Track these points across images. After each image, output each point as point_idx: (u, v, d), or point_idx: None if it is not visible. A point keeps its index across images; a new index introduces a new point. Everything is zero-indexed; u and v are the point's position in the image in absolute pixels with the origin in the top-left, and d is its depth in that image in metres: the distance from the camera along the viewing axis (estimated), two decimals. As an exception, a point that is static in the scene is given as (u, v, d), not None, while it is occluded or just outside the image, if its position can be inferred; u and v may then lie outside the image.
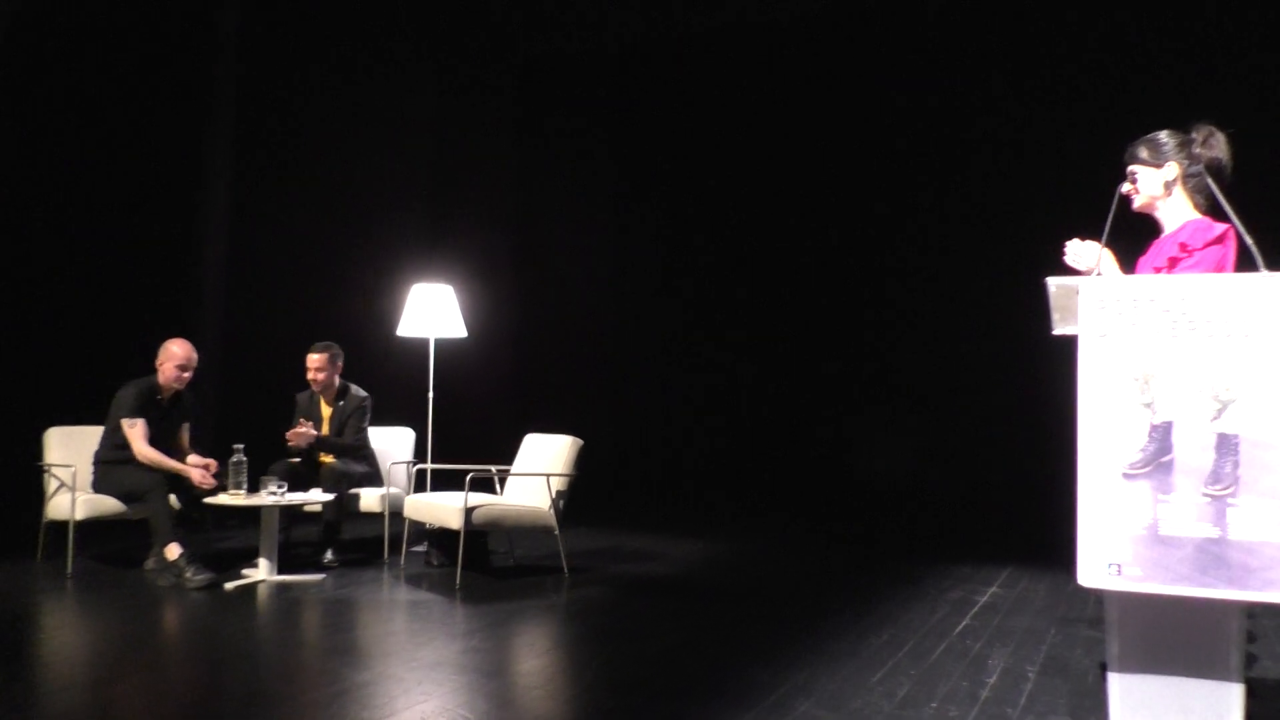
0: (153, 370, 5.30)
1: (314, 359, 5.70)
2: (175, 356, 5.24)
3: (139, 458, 5.11)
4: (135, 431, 5.13)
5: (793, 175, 8.40)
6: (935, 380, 7.76)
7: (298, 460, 5.70)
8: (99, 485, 5.21)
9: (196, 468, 5.09)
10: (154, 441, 5.19)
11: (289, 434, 5.53)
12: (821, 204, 8.32)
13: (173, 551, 4.80)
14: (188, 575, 4.72)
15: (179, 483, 5.08)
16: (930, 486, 7.58)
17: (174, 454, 5.29)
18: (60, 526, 5.24)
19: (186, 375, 5.27)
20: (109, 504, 5.10)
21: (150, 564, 4.94)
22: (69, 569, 5.07)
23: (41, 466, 5.33)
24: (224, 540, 6.15)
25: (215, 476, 5.12)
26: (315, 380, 5.71)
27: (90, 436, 5.37)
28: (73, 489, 5.10)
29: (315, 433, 5.61)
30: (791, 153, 8.39)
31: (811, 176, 8.31)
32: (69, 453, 5.36)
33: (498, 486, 5.62)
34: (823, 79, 8.24)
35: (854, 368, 8.22)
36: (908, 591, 4.95)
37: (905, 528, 7.19)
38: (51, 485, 5.25)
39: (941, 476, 7.54)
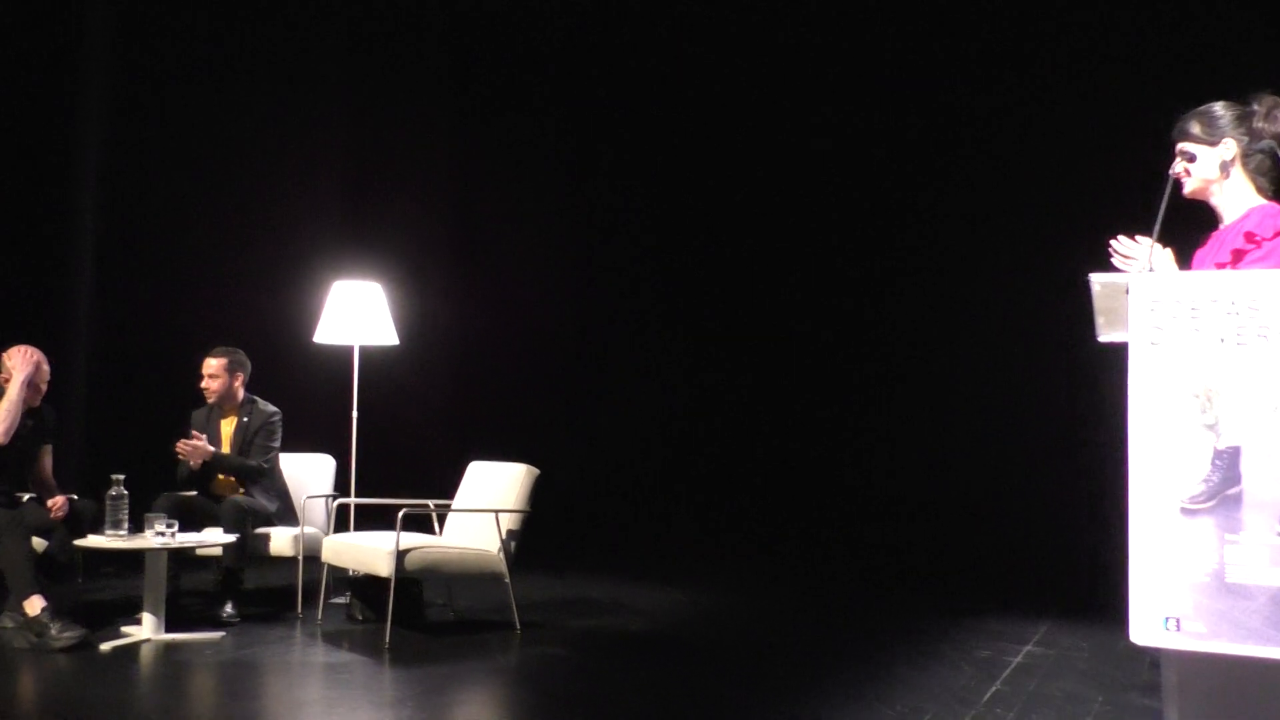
0: None
1: (210, 364, 5.79)
2: (20, 369, 5.20)
3: None
4: None
5: (789, 151, 8.35)
6: (956, 396, 7.73)
7: (191, 494, 5.69)
8: None
9: (52, 501, 5.10)
10: (4, 469, 5.18)
11: (179, 444, 5.55)
12: (821, 186, 8.28)
13: (34, 605, 4.74)
14: (52, 633, 4.68)
15: (42, 521, 5.07)
16: (950, 523, 7.57)
17: (32, 486, 5.30)
18: None
19: (42, 387, 5.28)
20: None
21: (5, 621, 4.88)
22: None
23: None
24: (98, 591, 6.09)
25: (74, 512, 5.11)
26: (209, 389, 5.76)
27: None
28: None
29: (212, 448, 5.62)
30: (790, 123, 8.33)
31: (811, 153, 8.26)
32: None
33: (436, 525, 5.65)
34: (828, 38, 8.16)
35: (858, 378, 8.20)
36: (926, 649, 4.96)
37: (921, 572, 7.23)
38: None
39: (964, 511, 7.47)
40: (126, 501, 4.96)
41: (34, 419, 5.34)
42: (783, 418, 8.47)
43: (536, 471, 5.37)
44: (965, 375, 7.68)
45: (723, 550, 8.08)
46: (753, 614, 5.96)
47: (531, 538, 5.36)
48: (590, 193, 9.01)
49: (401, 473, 6.46)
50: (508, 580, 5.13)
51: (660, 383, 8.88)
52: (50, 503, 5.13)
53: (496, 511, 5.16)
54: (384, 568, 4.93)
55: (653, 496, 8.70)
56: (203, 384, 5.78)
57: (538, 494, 5.32)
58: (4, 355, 5.28)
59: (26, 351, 5.28)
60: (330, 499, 5.99)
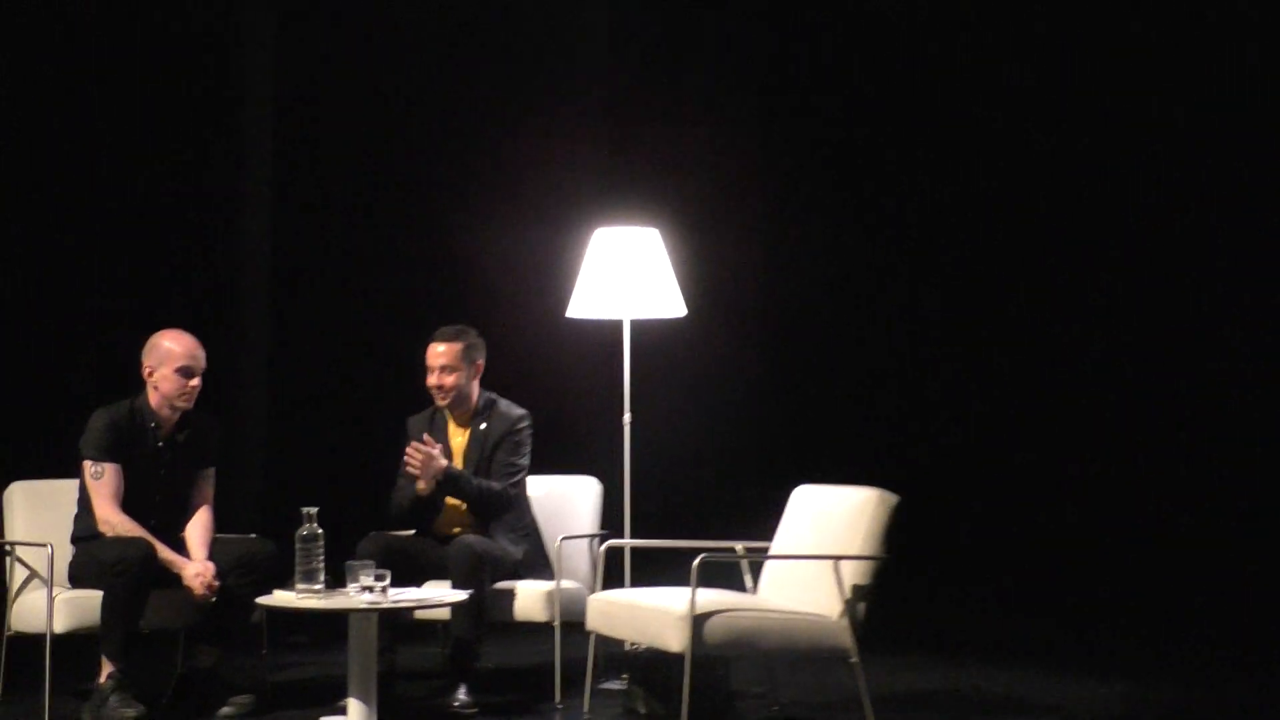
0: (135, 390, 5.50)
1: (439, 352, 5.81)
2: (172, 356, 5.41)
3: (102, 529, 5.34)
4: (100, 486, 5.36)
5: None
6: None
7: (407, 534, 5.83)
8: (78, 574, 5.41)
9: (197, 569, 5.31)
10: (146, 507, 5.41)
11: (408, 451, 5.63)
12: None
13: (104, 670, 5.15)
14: (110, 708, 5.06)
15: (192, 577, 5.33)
16: None
17: (178, 528, 5.48)
18: (31, 643, 5.38)
19: (194, 386, 5.46)
20: (96, 609, 5.24)
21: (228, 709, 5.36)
22: (45, 715, 5.23)
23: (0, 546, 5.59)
24: (287, 669, 6.27)
25: (249, 560, 5.36)
26: (441, 386, 5.80)
27: (72, 496, 5.58)
28: (48, 582, 5.26)
29: (445, 461, 5.67)
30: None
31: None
32: (42, 523, 5.55)
33: (747, 578, 5.59)
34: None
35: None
36: None
37: None
38: (16, 577, 5.46)
39: None
40: (322, 545, 5.02)
41: (186, 432, 5.54)
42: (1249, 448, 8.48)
43: (894, 499, 5.21)
44: None
45: (1171, 620, 7.82)
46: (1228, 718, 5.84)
47: (887, 596, 5.26)
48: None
49: (695, 501, 6.40)
50: (855, 660, 5.01)
51: (1072, 383, 8.89)
52: (192, 574, 5.28)
53: (837, 558, 5.06)
54: (675, 639, 4.88)
55: (1057, 537, 8.68)
56: (430, 380, 5.79)
57: (897, 531, 5.18)
58: (154, 342, 5.48)
59: (175, 337, 5.47)
60: (596, 540, 5.97)
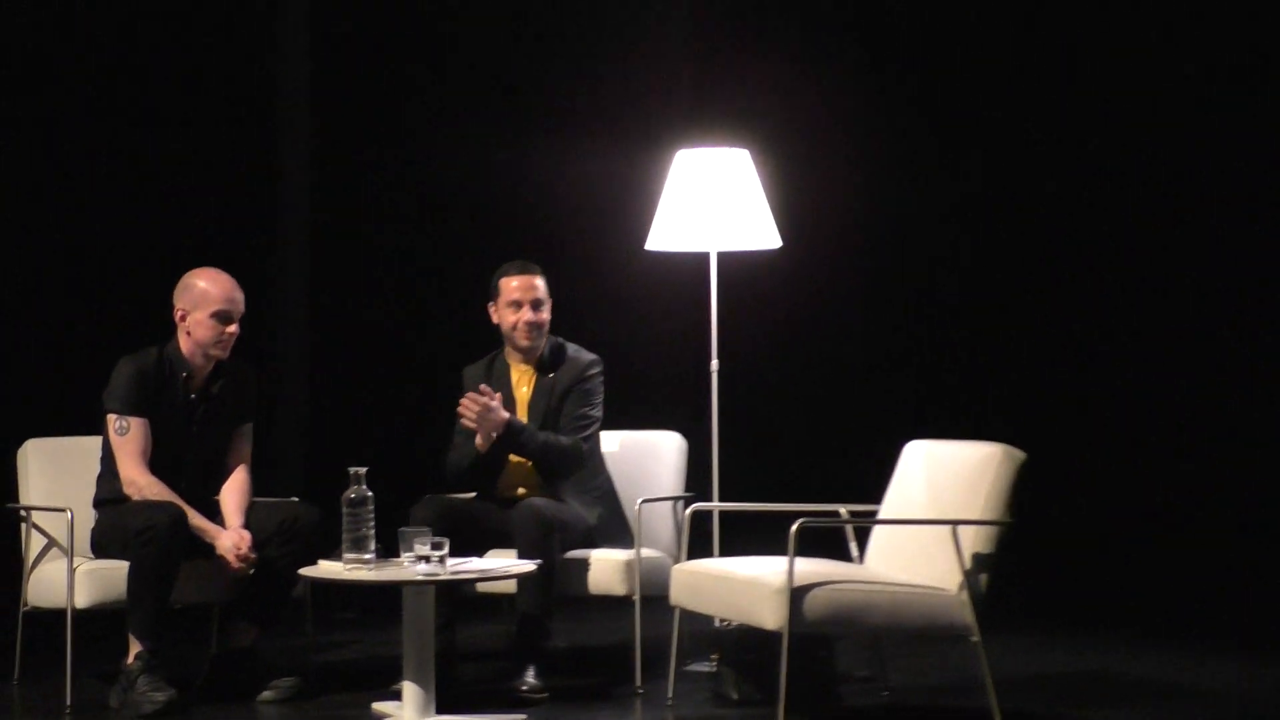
0: (164, 337, 5.48)
1: (534, 284, 5.80)
2: (208, 298, 5.40)
3: (128, 492, 5.32)
4: (126, 443, 5.34)
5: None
6: None
7: (467, 497, 5.81)
8: (101, 543, 5.39)
9: (232, 538, 5.30)
10: (176, 467, 5.41)
11: (464, 402, 5.57)
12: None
13: (133, 649, 5.16)
14: (139, 692, 5.09)
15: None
16: None
17: (212, 491, 5.50)
18: (50, 619, 5.37)
19: (231, 333, 5.44)
20: (122, 581, 5.23)
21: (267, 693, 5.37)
22: (67, 699, 5.22)
23: (14, 511, 5.54)
24: (333, 648, 6.31)
25: (293, 526, 5.35)
26: (537, 324, 5.80)
27: (94, 455, 5.56)
28: (68, 552, 5.22)
29: (507, 414, 5.62)
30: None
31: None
32: (60, 486, 5.53)
33: (852, 546, 5.51)
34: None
35: None
36: None
37: None
38: (33, 546, 5.45)
39: None
40: (372, 510, 4.94)
41: (221, 383, 5.51)
42: None
43: (1021, 456, 5.08)
44: None
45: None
46: None
47: (1012, 567, 5.19)
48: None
49: (792, 459, 6.27)
50: (976, 639, 4.91)
51: (1224, 333, 8.86)
52: (227, 543, 5.26)
53: (955, 523, 4.94)
54: (771, 615, 4.79)
55: (1200, 503, 8.65)
56: (520, 318, 5.72)
57: (1023, 495, 5.06)
58: (187, 281, 5.47)
59: (211, 277, 5.45)
60: (680, 503, 5.93)
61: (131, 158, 7.65)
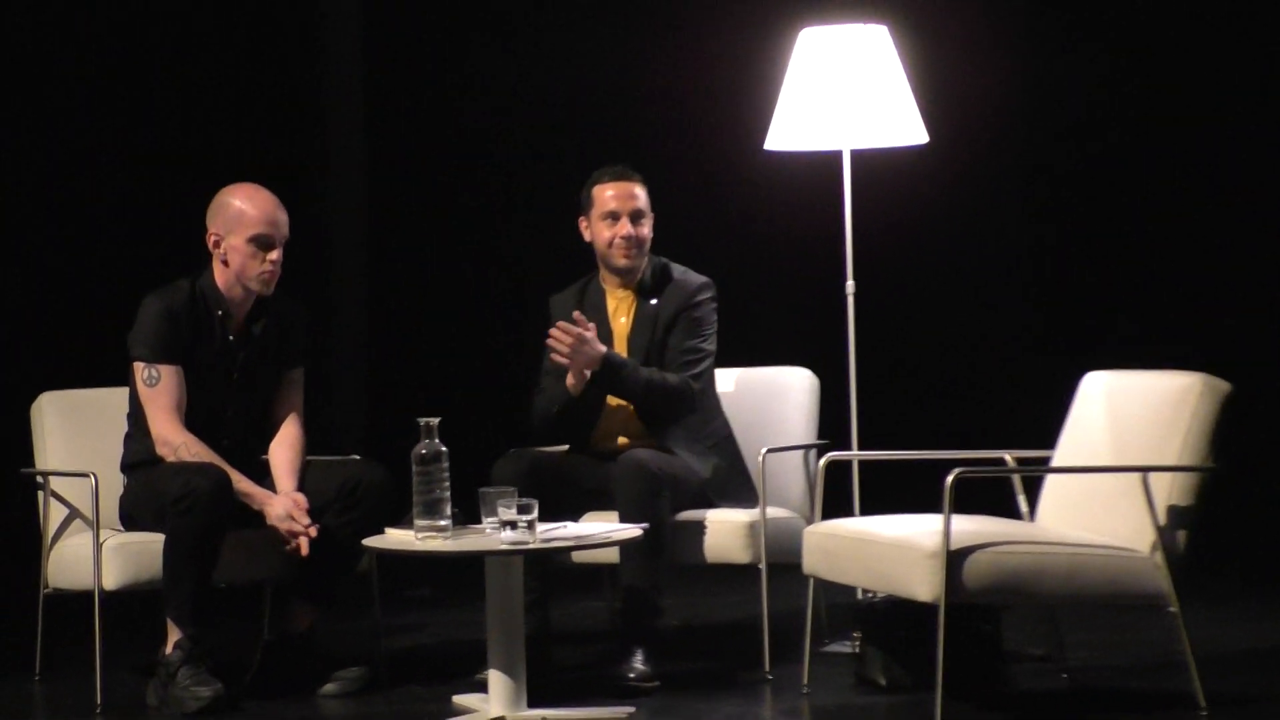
0: (198, 269, 5.48)
1: (633, 193, 5.77)
2: (245, 220, 5.37)
3: (161, 452, 5.30)
4: (156, 394, 5.31)
5: None
6: None
7: (558, 450, 5.84)
8: (132, 513, 5.39)
9: (285, 504, 5.30)
10: (217, 421, 5.44)
11: (553, 334, 5.55)
12: None
13: (171, 636, 5.16)
14: (180, 687, 5.08)
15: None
16: None
17: (260, 449, 5.52)
18: (76, 602, 5.38)
19: (273, 261, 5.39)
20: (157, 558, 5.22)
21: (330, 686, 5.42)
22: (98, 696, 5.21)
23: (30, 477, 5.57)
24: (403, 631, 6.40)
25: (355, 490, 5.33)
26: (637, 239, 5.77)
27: (121, 411, 5.57)
28: (94, 524, 5.21)
29: (604, 348, 5.58)
30: None
31: None
32: (83, 447, 5.58)
33: (1020, 500, 5.48)
34: None
35: None
36: None
37: None
38: (53, 517, 5.48)
39: None
40: (447, 468, 4.90)
41: (263, 321, 5.49)
42: None
43: (1225, 388, 4.98)
44: None
45: None
46: None
47: (1216, 523, 5.16)
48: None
49: (944, 397, 6.25)
50: (1174, 609, 4.83)
51: None
52: (279, 510, 5.27)
53: (1146, 470, 4.85)
54: (925, 585, 4.72)
55: None
56: (618, 232, 5.69)
57: (1228, 434, 4.95)
58: (223, 198, 5.45)
59: (249, 195, 5.41)
60: (813, 452, 5.88)
61: (162, 67, 7.79)
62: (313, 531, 5.18)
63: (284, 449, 5.41)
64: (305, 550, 5.18)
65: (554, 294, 5.94)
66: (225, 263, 5.36)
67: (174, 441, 5.22)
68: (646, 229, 5.74)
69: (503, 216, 7.75)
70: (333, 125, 8.14)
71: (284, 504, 5.20)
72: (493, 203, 7.92)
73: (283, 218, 5.40)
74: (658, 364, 5.68)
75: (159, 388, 5.26)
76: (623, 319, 5.80)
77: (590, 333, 5.49)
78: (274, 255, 5.35)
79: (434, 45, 8.56)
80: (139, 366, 5.30)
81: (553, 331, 5.50)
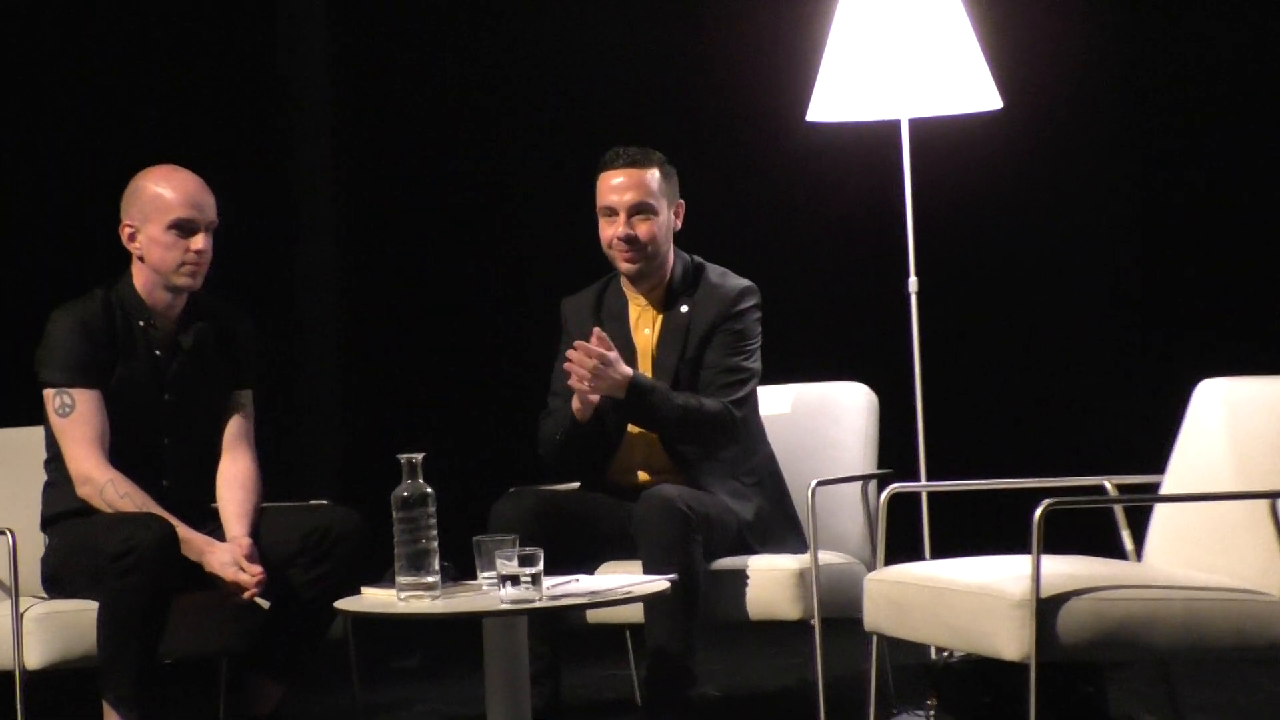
0: (116, 274, 5.43)
1: (618, 183, 5.76)
2: (161, 205, 5.34)
3: (83, 494, 5.26)
4: (72, 425, 5.28)
5: None
6: None
7: (568, 488, 5.88)
8: (57, 575, 5.36)
9: (228, 550, 5.24)
10: (150, 456, 5.41)
11: (569, 357, 5.54)
12: None
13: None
14: None
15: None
16: None
17: (202, 489, 5.50)
18: None
19: (198, 251, 5.36)
20: (90, 628, 5.15)
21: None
22: None
23: None
24: (388, 708, 6.45)
25: (326, 535, 5.30)
26: (632, 240, 5.74)
27: (37, 454, 5.57)
28: (11, 591, 5.19)
29: (629, 370, 5.58)
30: None
31: None
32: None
33: (1124, 535, 5.43)
34: None
35: None
36: None
37: None
38: None
39: None
40: (434, 512, 4.87)
41: (198, 327, 5.48)
42: None
43: None
44: None
45: None
46: None
47: None
48: None
49: (1028, 417, 6.56)
50: None
51: None
52: (223, 560, 5.22)
53: (1275, 495, 4.84)
54: (1011, 640, 4.67)
55: None
56: (611, 232, 5.75)
57: None
58: (138, 184, 5.44)
59: (166, 176, 5.40)
60: (873, 484, 5.84)
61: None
62: (261, 576, 5.14)
63: (233, 488, 5.37)
64: (253, 595, 5.16)
65: (567, 296, 5.94)
66: (142, 258, 5.33)
67: (97, 479, 5.17)
68: (650, 227, 5.70)
69: (498, 211, 7.77)
70: (300, 112, 8.17)
71: (227, 550, 5.17)
72: (486, 195, 7.93)
73: (208, 200, 5.36)
74: (689, 385, 5.66)
75: (74, 417, 5.23)
76: (646, 331, 5.80)
77: (613, 354, 5.48)
78: (199, 243, 5.30)
79: (414, 16, 8.61)
80: (50, 394, 5.26)
81: (570, 354, 5.48)
